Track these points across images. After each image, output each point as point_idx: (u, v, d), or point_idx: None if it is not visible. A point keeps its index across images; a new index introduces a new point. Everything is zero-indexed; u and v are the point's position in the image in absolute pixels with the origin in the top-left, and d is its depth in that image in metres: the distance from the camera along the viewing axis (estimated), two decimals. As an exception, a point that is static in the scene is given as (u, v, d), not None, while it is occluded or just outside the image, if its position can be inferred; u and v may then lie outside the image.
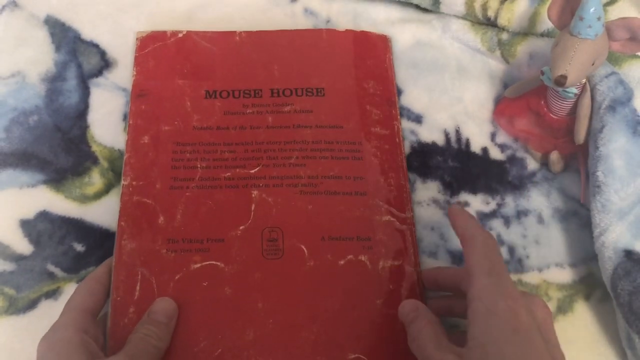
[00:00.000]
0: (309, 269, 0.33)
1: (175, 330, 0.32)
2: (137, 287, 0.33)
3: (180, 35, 0.41)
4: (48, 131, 0.41)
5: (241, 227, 0.34)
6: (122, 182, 0.36)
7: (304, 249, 0.34)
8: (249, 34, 0.42)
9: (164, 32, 0.42)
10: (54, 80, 0.43)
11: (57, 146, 0.41)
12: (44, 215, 0.39)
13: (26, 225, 0.38)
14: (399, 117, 0.40)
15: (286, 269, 0.33)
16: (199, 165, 0.36)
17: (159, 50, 0.41)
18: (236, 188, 0.35)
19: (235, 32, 0.42)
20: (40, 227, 0.38)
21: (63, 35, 0.44)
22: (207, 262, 0.33)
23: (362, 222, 0.35)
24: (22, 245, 0.38)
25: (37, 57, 0.43)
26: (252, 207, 0.35)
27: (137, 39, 0.41)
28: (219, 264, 0.33)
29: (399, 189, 0.36)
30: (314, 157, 0.36)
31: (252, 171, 0.36)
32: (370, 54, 0.42)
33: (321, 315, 0.32)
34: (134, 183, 0.36)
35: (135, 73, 0.40)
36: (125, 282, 0.33)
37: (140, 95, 0.39)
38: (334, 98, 0.39)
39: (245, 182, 0.35)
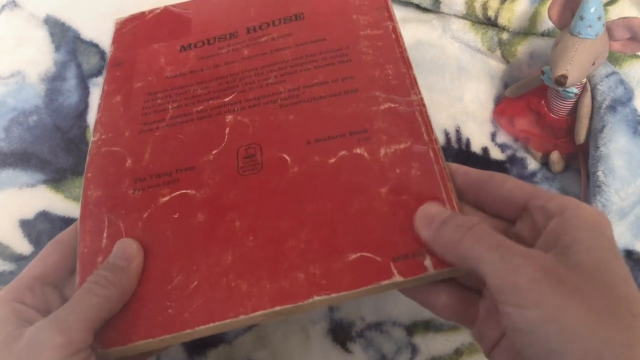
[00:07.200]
0: (292, 175, 0.30)
1: (146, 273, 0.29)
2: (105, 234, 0.30)
3: (157, 11, 0.41)
4: (48, 131, 0.41)
5: (214, 152, 0.32)
6: (92, 138, 0.33)
7: (287, 157, 0.31)
8: None
9: (142, 12, 0.41)
10: (54, 80, 0.43)
11: (57, 146, 0.41)
12: (43, 215, 0.39)
13: (26, 225, 0.38)
14: (394, 18, 0.36)
15: (266, 180, 0.30)
16: (170, 107, 0.34)
17: (137, 28, 0.40)
18: (209, 118, 0.33)
19: None
20: (40, 227, 0.38)
21: (63, 35, 0.44)
22: (176, 193, 0.31)
23: (354, 117, 0.32)
24: (22, 245, 0.38)
25: (36, 57, 0.43)
26: (226, 131, 0.32)
27: (115, 23, 0.41)
28: (189, 191, 0.31)
29: (399, 77, 0.33)
30: (294, 72, 0.34)
31: (226, 99, 0.34)
32: None
33: (310, 219, 0.29)
34: (102, 137, 0.33)
35: (112, 50, 0.39)
36: (92, 232, 0.30)
37: (115, 65, 0.37)
38: (315, 18, 0.37)
39: (219, 111, 0.33)
